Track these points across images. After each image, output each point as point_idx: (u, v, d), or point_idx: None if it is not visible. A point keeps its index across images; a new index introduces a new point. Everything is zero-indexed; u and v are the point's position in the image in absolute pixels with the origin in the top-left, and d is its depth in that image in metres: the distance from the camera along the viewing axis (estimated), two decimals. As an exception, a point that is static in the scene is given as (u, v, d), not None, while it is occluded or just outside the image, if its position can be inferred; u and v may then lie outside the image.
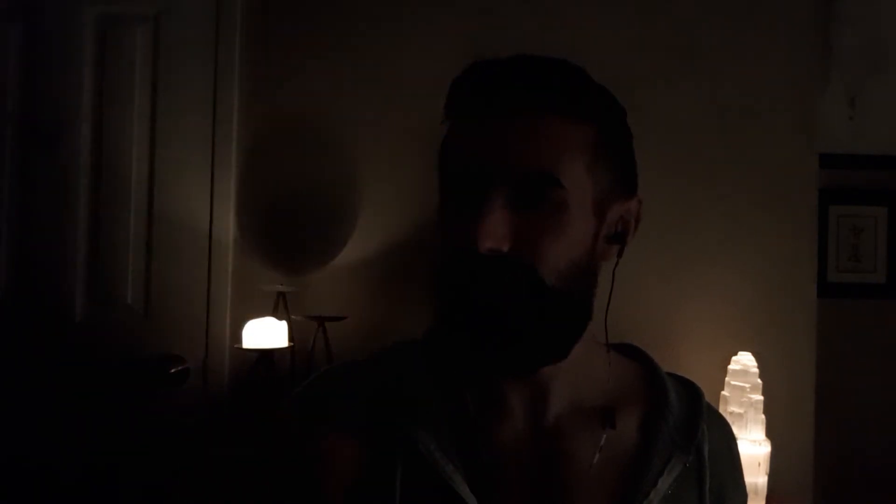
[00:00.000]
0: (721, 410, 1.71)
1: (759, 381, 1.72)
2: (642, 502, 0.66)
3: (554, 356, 0.66)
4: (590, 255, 0.67)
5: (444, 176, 0.68)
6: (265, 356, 1.82)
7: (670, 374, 0.77)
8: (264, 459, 0.74)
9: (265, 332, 1.80)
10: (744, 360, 1.75)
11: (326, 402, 0.72)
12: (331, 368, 0.78)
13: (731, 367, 1.76)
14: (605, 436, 0.68)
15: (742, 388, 1.70)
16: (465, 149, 0.65)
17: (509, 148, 0.63)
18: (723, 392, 1.75)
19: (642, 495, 0.66)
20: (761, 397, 1.69)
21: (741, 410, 1.68)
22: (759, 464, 1.64)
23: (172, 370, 1.93)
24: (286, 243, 2.00)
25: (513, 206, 0.63)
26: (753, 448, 1.65)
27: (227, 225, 1.99)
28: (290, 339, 1.87)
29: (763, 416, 1.68)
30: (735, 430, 1.68)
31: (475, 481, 0.65)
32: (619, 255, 0.71)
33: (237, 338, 1.85)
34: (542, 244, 0.63)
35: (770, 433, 1.69)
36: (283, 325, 1.84)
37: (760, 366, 1.74)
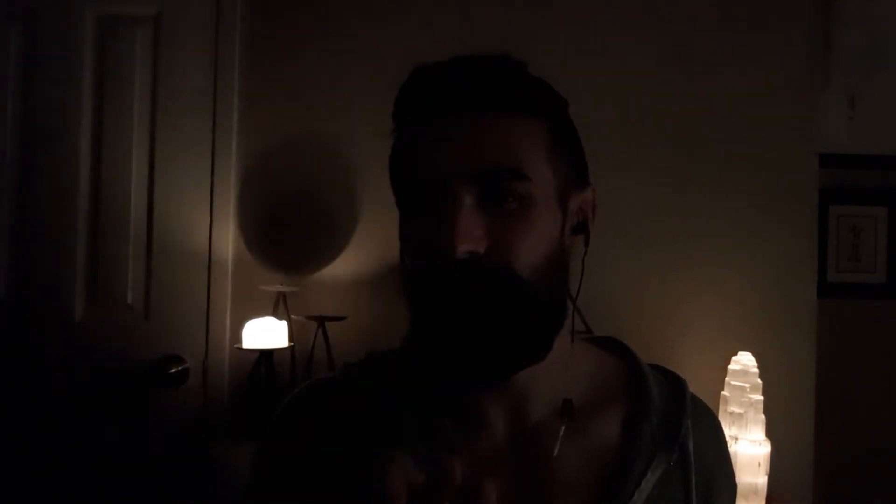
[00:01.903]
0: (721, 410, 1.71)
1: (759, 381, 1.71)
2: None
3: (533, 357, 0.64)
4: (560, 249, 0.67)
5: (403, 186, 0.68)
6: (265, 356, 1.83)
7: (653, 367, 0.76)
8: (249, 487, 0.74)
9: (265, 332, 1.80)
10: (744, 360, 1.75)
11: (302, 424, 0.71)
12: (305, 387, 0.76)
13: (731, 367, 1.76)
14: (563, 427, 0.66)
15: (742, 388, 1.70)
16: (425, 154, 0.65)
17: (472, 147, 0.63)
18: (723, 392, 1.75)
19: (625, 499, 0.64)
20: (761, 397, 1.69)
21: (741, 410, 1.67)
22: (759, 464, 1.64)
23: (172, 370, 1.93)
24: (286, 243, 2.00)
25: (482, 206, 0.63)
26: (753, 448, 1.65)
27: (228, 225, 1.99)
28: (290, 339, 1.87)
29: (763, 416, 1.68)
30: (735, 430, 1.69)
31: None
32: (586, 244, 0.71)
33: (237, 338, 1.85)
34: (516, 241, 0.62)
35: (770, 433, 1.69)
36: (283, 325, 1.84)
37: (760, 366, 1.74)
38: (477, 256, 0.61)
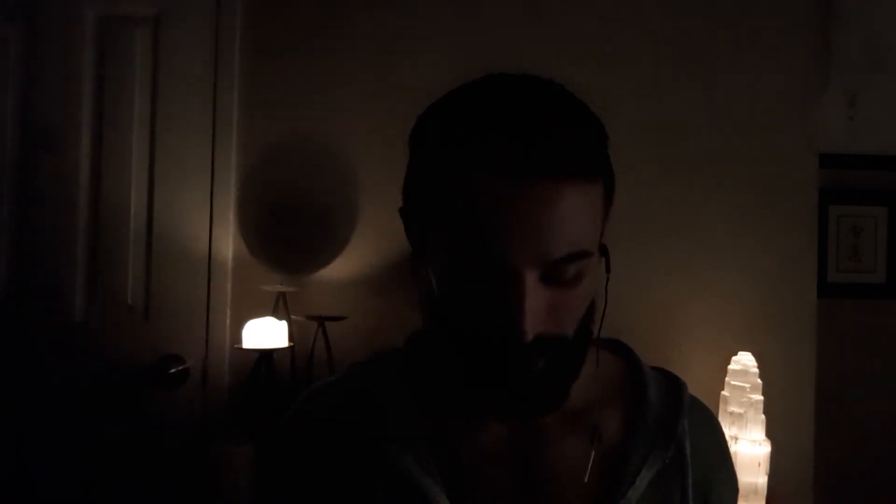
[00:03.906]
0: (721, 410, 1.71)
1: (759, 381, 1.71)
2: (619, 501, 0.66)
3: (563, 399, 0.65)
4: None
5: (451, 240, 0.60)
6: (265, 356, 1.83)
7: (655, 369, 0.76)
8: (259, 486, 0.75)
9: (265, 332, 1.80)
10: (744, 360, 1.75)
11: (310, 428, 0.72)
12: (312, 390, 0.77)
13: (731, 367, 1.76)
14: (593, 453, 0.67)
15: (742, 388, 1.70)
16: (490, 225, 0.58)
17: (548, 230, 0.58)
18: (723, 392, 1.75)
19: (619, 495, 0.66)
20: (761, 397, 1.69)
21: (741, 410, 1.68)
22: (759, 464, 1.64)
23: (172, 370, 1.93)
24: (286, 243, 2.00)
25: (543, 281, 0.60)
26: (753, 448, 1.65)
27: (228, 225, 1.99)
28: (290, 339, 1.87)
29: (763, 416, 1.68)
30: (735, 430, 1.69)
31: (456, 493, 0.65)
32: (608, 269, 0.68)
33: (237, 338, 1.85)
34: (571, 311, 0.62)
35: (770, 433, 1.69)
36: (283, 325, 1.84)
37: (760, 366, 1.74)
38: (539, 335, 0.60)
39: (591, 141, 0.62)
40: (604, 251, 0.67)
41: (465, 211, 0.59)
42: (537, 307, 0.59)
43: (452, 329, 0.64)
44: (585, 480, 0.66)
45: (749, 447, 1.64)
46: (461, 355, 0.63)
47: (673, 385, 0.74)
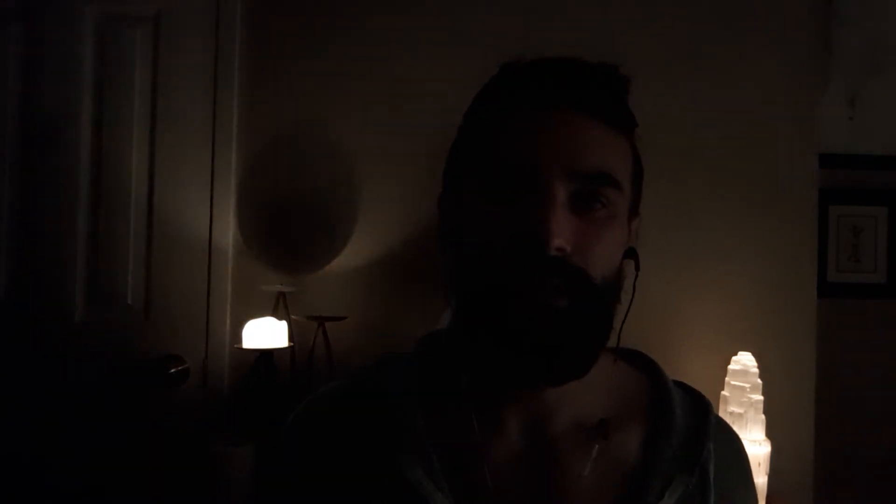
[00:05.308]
0: (721, 410, 1.71)
1: (759, 381, 1.71)
2: None
3: (585, 367, 0.64)
4: (620, 266, 0.68)
5: (484, 173, 0.65)
6: (265, 356, 1.83)
7: (678, 384, 0.74)
8: (262, 489, 0.74)
9: (265, 332, 1.80)
10: (744, 360, 1.75)
11: (316, 432, 0.71)
12: (319, 394, 0.75)
13: (731, 367, 1.76)
14: (596, 447, 0.65)
15: (742, 388, 1.70)
16: (526, 144, 0.63)
17: (576, 147, 0.63)
18: (723, 392, 1.75)
19: None
20: (761, 397, 1.69)
21: (741, 410, 1.68)
22: (759, 464, 1.64)
23: (172, 370, 1.93)
24: (286, 243, 2.00)
25: (571, 206, 0.63)
26: (753, 448, 1.65)
27: (228, 225, 1.99)
28: (290, 339, 1.87)
29: (763, 416, 1.68)
30: (735, 430, 1.68)
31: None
32: (637, 268, 0.71)
33: (237, 338, 1.85)
34: (596, 248, 0.63)
35: (770, 433, 1.69)
36: (283, 325, 1.84)
37: (760, 366, 1.74)
38: (564, 254, 0.61)
39: (620, 99, 0.68)
40: (632, 252, 0.71)
41: (503, 137, 0.64)
42: (563, 222, 0.61)
43: (476, 290, 0.63)
44: (585, 474, 0.64)
45: (749, 447, 1.63)
46: (483, 313, 0.62)
47: (699, 405, 0.72)
